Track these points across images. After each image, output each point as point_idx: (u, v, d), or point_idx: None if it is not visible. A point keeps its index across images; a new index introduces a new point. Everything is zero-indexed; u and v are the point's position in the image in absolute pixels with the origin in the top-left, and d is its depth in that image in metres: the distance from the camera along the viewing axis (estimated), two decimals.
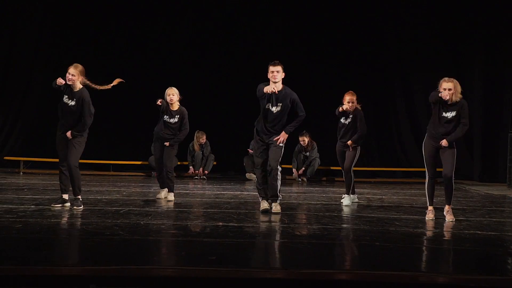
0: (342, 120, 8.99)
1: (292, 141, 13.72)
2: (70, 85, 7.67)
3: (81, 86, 7.72)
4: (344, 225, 7.11)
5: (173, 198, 8.83)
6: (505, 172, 12.74)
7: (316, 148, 13.56)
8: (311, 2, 15.12)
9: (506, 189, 12.22)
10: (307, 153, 13.56)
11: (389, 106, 15.38)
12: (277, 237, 6.32)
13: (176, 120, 8.84)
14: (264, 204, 7.79)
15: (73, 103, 7.69)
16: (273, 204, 7.80)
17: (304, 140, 13.47)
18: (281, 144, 7.73)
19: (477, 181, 13.88)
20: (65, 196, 7.87)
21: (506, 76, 13.96)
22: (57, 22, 15.08)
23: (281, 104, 7.68)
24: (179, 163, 13.61)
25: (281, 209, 7.76)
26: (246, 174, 13.53)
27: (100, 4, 14.99)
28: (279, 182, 7.85)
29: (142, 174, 13.97)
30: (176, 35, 15.28)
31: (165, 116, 8.83)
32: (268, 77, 7.67)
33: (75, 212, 7.48)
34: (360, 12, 15.08)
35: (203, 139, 13.62)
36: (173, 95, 8.82)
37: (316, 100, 14.09)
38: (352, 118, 8.89)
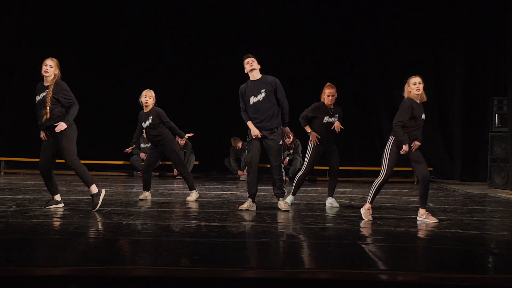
0: (326, 118, 8.43)
1: None
2: (41, 81, 7.45)
3: (56, 79, 7.41)
4: (327, 225, 7.12)
5: (194, 197, 9.00)
6: (486, 171, 12.79)
7: (300, 146, 13.57)
8: (297, 5, 15.16)
9: (486, 188, 12.29)
10: (290, 151, 13.56)
11: (369, 105, 15.47)
12: (260, 236, 6.32)
13: (150, 121, 8.75)
14: (246, 205, 7.97)
15: (45, 94, 7.38)
16: (280, 200, 8.05)
17: (289, 137, 13.49)
18: (279, 140, 7.91)
19: (458, 180, 13.96)
20: (57, 197, 7.72)
21: (487, 76, 14.06)
22: (38, 20, 14.94)
23: (263, 90, 7.80)
24: (161, 163, 13.56)
25: (289, 206, 8.11)
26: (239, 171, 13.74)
27: (88, 3, 14.87)
28: (284, 178, 8.07)
29: (124, 174, 13.91)
30: (160, 34, 15.22)
31: (142, 123, 8.85)
32: (246, 71, 7.91)
33: (53, 211, 7.43)
34: (341, 13, 15.12)
35: (183, 140, 13.60)
36: (149, 97, 8.81)
37: (299, 100, 14.11)
38: (338, 115, 8.49)
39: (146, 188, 8.90)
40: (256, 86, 7.83)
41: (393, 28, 15.11)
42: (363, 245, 5.98)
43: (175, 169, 13.57)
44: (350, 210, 8.31)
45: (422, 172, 7.21)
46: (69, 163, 7.44)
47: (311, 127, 8.48)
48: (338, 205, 8.60)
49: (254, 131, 7.80)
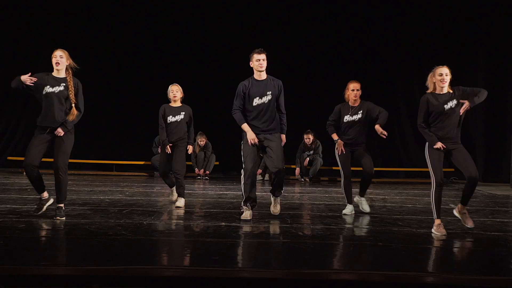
0: (346, 117, 7.96)
1: (295, 141, 13.75)
2: (50, 73, 6.92)
3: (69, 71, 6.96)
4: (347, 225, 7.09)
5: (183, 204, 8.30)
6: (508, 172, 12.71)
7: (321, 147, 13.54)
8: (314, 3, 15.07)
9: (509, 189, 12.19)
10: (311, 152, 13.53)
11: (389, 103, 15.36)
12: (280, 237, 6.31)
13: (182, 117, 8.45)
14: (247, 214, 7.23)
15: (61, 88, 6.87)
16: (276, 201, 7.46)
17: (309, 138, 13.47)
18: (280, 142, 7.32)
19: (480, 181, 13.84)
20: (46, 194, 7.12)
21: (510, 77, 13.94)
22: (58, 24, 15.04)
23: (270, 92, 7.19)
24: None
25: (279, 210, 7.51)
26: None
27: (99, 4, 14.91)
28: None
29: (145, 174, 13.97)
30: (178, 34, 15.24)
31: (168, 118, 8.43)
32: (252, 65, 7.22)
33: (58, 218, 7.47)
34: (362, 12, 15.01)
35: (203, 141, 13.64)
36: (176, 91, 8.51)
37: (320, 101, 14.08)
38: (362, 112, 7.92)
39: (172, 185, 8.74)
40: (263, 87, 7.20)
41: (412, 24, 14.93)
42: (384, 246, 5.95)
43: (196, 169, 13.62)
44: (370, 211, 8.26)
45: (467, 169, 6.59)
46: (60, 167, 6.90)
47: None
48: (369, 210, 8.10)
49: (251, 135, 7.13)
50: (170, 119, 8.42)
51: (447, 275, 4.78)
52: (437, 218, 6.59)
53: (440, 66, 6.67)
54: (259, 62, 7.14)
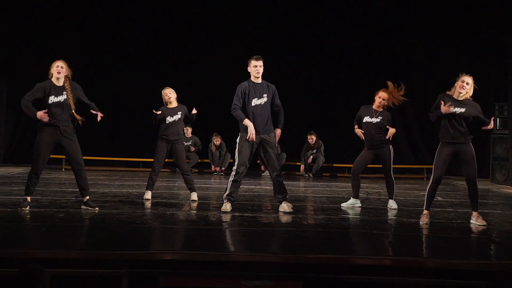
0: (366, 118, 7.65)
1: (300, 141, 13.70)
2: (52, 83, 6.70)
3: (67, 79, 6.75)
4: (346, 216, 7.09)
5: (196, 198, 7.98)
6: (488, 169, 12.70)
7: (323, 147, 13.50)
8: (320, 7, 14.22)
9: (489, 183, 12.14)
10: (314, 151, 13.51)
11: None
12: (287, 226, 6.32)
13: (179, 116, 8.04)
14: (227, 206, 6.98)
15: (65, 97, 6.68)
16: (286, 203, 7.09)
17: (312, 138, 13.44)
18: (275, 147, 7.10)
19: (463, 177, 13.71)
20: (29, 199, 6.80)
21: (489, 83, 13.72)
22: (62, 28, 14.10)
23: (266, 94, 6.99)
24: (199, 160, 13.62)
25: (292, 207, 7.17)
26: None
27: (99, 6, 14.12)
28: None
29: (168, 170, 13.97)
30: (182, 35, 14.35)
31: (167, 119, 8.01)
32: (250, 70, 7.01)
33: (103, 203, 7.50)
34: (369, 11, 14.08)
35: (218, 141, 13.63)
36: (170, 93, 8.08)
37: (322, 104, 14.01)
38: (382, 118, 7.62)
39: (151, 187, 8.11)
40: (260, 89, 6.99)
41: (422, 32, 14.06)
42: (378, 234, 5.94)
43: (212, 165, 13.60)
44: (366, 203, 8.25)
45: (467, 173, 6.52)
46: (83, 165, 6.87)
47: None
48: (396, 207, 7.61)
49: (252, 130, 6.82)
50: (169, 119, 8.01)
51: (434, 260, 4.78)
52: (426, 209, 6.55)
53: (467, 75, 6.50)
54: (256, 68, 6.97)
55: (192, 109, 8.19)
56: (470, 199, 6.61)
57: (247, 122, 6.90)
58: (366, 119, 7.64)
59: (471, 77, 6.50)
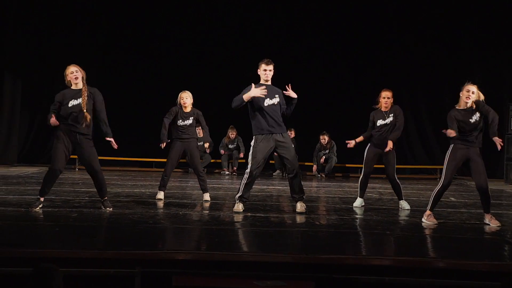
0: (379, 122, 7.69)
1: (312, 142, 13.69)
2: (69, 86, 6.71)
3: (84, 82, 6.71)
4: (359, 216, 7.07)
5: (209, 198, 8.00)
6: (502, 169, 12.61)
7: (335, 147, 13.48)
8: (334, 7, 14.19)
9: (503, 184, 12.06)
10: (327, 151, 13.50)
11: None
12: (299, 226, 6.32)
13: (190, 121, 8.04)
14: (239, 207, 7.00)
15: (79, 101, 6.62)
16: (300, 203, 7.08)
17: (325, 138, 13.44)
18: (291, 145, 7.14)
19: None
20: (42, 199, 6.83)
21: (503, 83, 13.67)
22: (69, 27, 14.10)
23: (277, 95, 6.98)
24: (212, 160, 13.64)
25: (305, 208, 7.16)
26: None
27: (107, 6, 14.22)
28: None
29: (180, 170, 14.01)
30: (196, 36, 14.31)
31: (178, 121, 8.02)
32: (259, 73, 7.02)
33: (117, 203, 7.54)
34: (378, 15, 14.20)
35: (233, 134, 13.63)
36: (186, 98, 8.05)
37: (334, 105, 14.02)
38: (393, 115, 7.66)
39: (163, 188, 8.15)
40: (271, 91, 6.94)
41: (420, 40, 14.23)
42: (390, 235, 5.93)
43: (225, 169, 13.59)
44: (379, 203, 8.23)
45: (478, 179, 6.50)
46: (96, 168, 6.80)
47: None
48: (408, 207, 7.66)
49: (256, 90, 6.77)
50: (180, 122, 8.02)
51: (448, 260, 4.75)
52: (430, 209, 6.57)
53: (470, 84, 6.53)
54: (265, 72, 6.99)
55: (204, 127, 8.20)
56: (482, 202, 6.60)
57: (246, 89, 6.86)
58: (380, 122, 7.66)
59: (474, 85, 6.54)
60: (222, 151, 13.67)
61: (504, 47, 13.47)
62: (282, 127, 7.02)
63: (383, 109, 7.72)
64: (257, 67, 7.08)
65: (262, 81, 7.06)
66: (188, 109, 8.07)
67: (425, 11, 14.03)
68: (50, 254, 4.55)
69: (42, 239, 5.47)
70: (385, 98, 7.68)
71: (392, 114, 7.65)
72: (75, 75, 6.67)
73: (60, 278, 3.37)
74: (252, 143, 7.04)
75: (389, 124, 7.64)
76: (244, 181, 7.02)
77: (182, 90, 8.18)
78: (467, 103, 6.48)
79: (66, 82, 6.77)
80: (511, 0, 13.11)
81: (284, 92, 7.00)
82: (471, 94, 6.46)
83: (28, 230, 5.72)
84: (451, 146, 6.57)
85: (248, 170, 6.98)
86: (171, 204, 7.56)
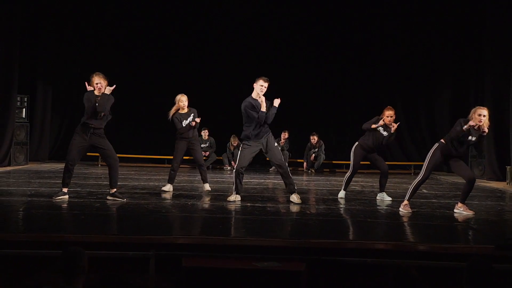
0: (381, 130, 7.57)
1: (303, 141, 13.65)
2: (96, 94, 6.73)
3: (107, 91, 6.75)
4: (344, 206, 7.06)
5: (209, 188, 8.13)
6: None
7: (323, 146, 13.45)
8: (325, 10, 13.51)
9: (505, 186, 11.78)
10: (316, 149, 13.48)
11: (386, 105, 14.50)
12: (293, 214, 6.31)
13: (191, 118, 8.11)
14: (237, 197, 7.10)
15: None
16: (295, 195, 7.08)
17: (314, 138, 13.41)
18: (276, 145, 7.13)
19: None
20: (65, 190, 6.87)
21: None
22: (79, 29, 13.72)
23: (265, 105, 6.92)
24: (217, 157, 13.60)
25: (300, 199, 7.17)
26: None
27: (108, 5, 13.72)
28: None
29: (188, 166, 13.99)
30: (205, 39, 13.87)
31: (183, 122, 8.09)
32: (255, 86, 6.92)
33: (132, 194, 7.52)
34: (373, 19, 13.45)
35: (236, 142, 13.63)
36: (185, 101, 8.13)
37: (324, 107, 13.93)
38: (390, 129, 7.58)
39: (171, 181, 8.19)
40: (261, 104, 6.91)
41: (419, 45, 13.48)
42: (372, 222, 5.92)
43: (232, 162, 13.55)
44: (361, 195, 8.22)
45: (467, 174, 6.44)
46: (116, 158, 6.89)
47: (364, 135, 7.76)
48: (390, 198, 7.59)
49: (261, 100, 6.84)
50: (185, 122, 8.10)
51: (422, 244, 4.75)
52: (407, 199, 6.54)
53: (482, 108, 6.27)
54: (261, 87, 6.89)
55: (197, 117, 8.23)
56: (464, 192, 6.50)
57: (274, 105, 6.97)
58: (381, 130, 7.56)
59: (485, 108, 6.28)
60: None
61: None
62: (267, 131, 7.03)
63: (387, 122, 7.58)
64: (254, 81, 6.98)
65: (254, 95, 6.97)
66: (186, 109, 8.21)
67: (426, 13, 13.15)
68: (77, 238, 4.54)
69: (69, 225, 5.47)
70: (389, 117, 7.52)
71: (390, 129, 7.57)
72: (99, 87, 6.72)
73: (85, 259, 3.38)
74: (240, 146, 7.20)
75: (384, 136, 7.57)
76: (235, 178, 7.10)
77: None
78: (477, 125, 6.18)
79: (92, 86, 6.78)
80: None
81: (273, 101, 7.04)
82: (482, 117, 6.16)
83: (57, 218, 5.72)
84: (438, 144, 6.46)
85: (236, 167, 7.11)
86: (181, 196, 7.55)
